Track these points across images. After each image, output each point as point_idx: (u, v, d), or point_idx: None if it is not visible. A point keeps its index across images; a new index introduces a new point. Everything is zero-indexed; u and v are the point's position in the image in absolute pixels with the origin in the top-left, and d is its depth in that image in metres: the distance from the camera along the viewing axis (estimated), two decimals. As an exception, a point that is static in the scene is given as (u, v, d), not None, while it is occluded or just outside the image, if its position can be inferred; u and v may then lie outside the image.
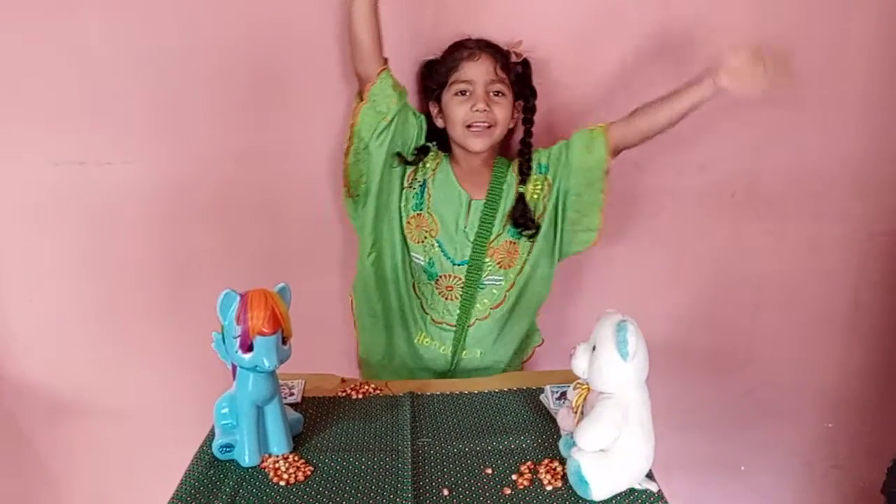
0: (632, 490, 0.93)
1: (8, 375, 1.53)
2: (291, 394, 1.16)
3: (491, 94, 1.29)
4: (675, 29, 1.42)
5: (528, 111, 1.35)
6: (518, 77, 1.33)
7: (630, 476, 0.92)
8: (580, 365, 0.93)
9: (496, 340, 1.39)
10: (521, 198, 1.32)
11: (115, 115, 1.39)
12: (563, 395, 1.10)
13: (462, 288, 1.35)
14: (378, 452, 1.01)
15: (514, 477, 0.96)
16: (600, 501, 0.91)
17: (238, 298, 0.92)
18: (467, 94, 1.29)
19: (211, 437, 1.03)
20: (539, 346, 1.47)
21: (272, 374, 0.98)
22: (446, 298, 1.36)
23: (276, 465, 0.98)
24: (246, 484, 0.95)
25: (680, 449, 1.67)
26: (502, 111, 1.30)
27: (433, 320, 1.38)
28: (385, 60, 1.28)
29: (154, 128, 1.41)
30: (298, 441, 1.04)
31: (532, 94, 1.35)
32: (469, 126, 1.29)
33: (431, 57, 1.35)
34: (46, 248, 1.46)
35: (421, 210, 1.34)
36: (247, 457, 0.98)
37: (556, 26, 1.40)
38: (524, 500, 0.92)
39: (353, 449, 1.03)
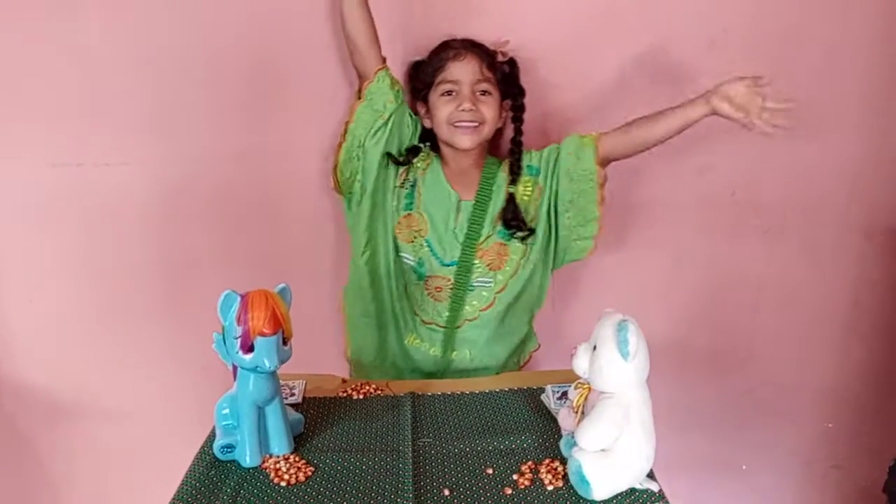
0: (633, 490, 0.93)
1: (7, 376, 1.53)
2: (292, 394, 1.16)
3: (477, 93, 1.29)
4: (671, 31, 1.42)
5: (517, 110, 1.35)
6: (505, 76, 1.33)
7: (631, 476, 0.92)
8: (581, 365, 0.93)
9: (487, 343, 1.38)
10: (511, 198, 1.32)
11: (113, 116, 1.38)
12: (564, 394, 1.10)
13: (451, 289, 1.34)
14: (379, 453, 1.01)
15: (515, 477, 0.96)
16: (601, 501, 0.91)
17: (238, 299, 0.92)
18: (454, 93, 1.29)
19: (212, 437, 1.03)
20: (535, 350, 1.46)
21: (273, 375, 0.98)
22: (435, 299, 1.36)
23: (277, 466, 0.98)
24: (247, 484, 0.95)
25: (680, 449, 1.67)
26: (489, 110, 1.30)
27: (423, 321, 1.38)
28: (383, 59, 1.28)
29: (152, 129, 1.41)
30: (299, 441, 1.04)
31: (520, 93, 1.35)
32: (455, 124, 1.29)
33: (418, 58, 1.34)
34: (45, 249, 1.45)
35: (411, 210, 1.34)
36: (248, 457, 0.98)
37: (553, 27, 1.41)
38: (525, 500, 0.92)
39: (354, 449, 1.03)
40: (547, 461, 0.98)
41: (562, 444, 1.00)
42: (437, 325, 1.37)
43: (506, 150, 1.36)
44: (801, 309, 1.65)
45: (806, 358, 1.68)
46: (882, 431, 1.72)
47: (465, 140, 1.29)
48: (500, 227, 1.32)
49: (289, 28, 1.38)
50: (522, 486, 0.94)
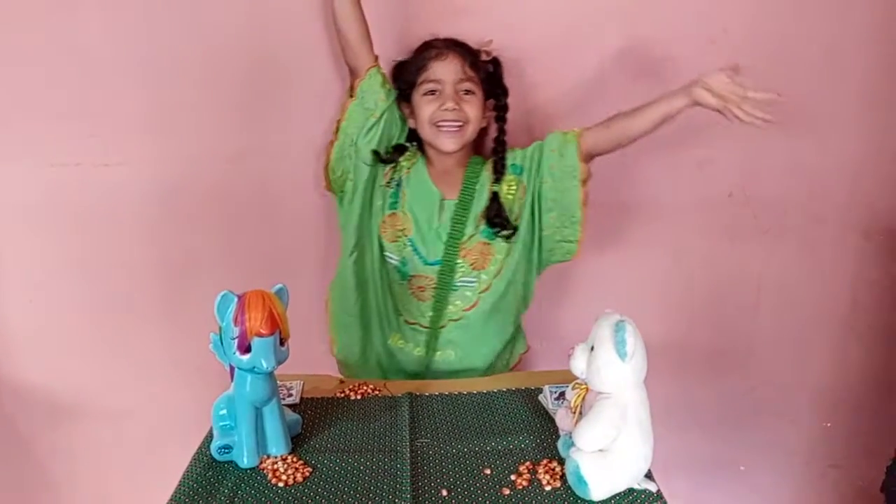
0: (631, 490, 0.93)
1: (7, 376, 1.53)
2: (290, 395, 1.16)
3: (460, 92, 1.29)
4: (669, 30, 1.42)
5: (501, 109, 1.34)
6: (488, 75, 1.33)
7: (629, 476, 0.92)
8: (578, 365, 0.93)
9: (471, 344, 1.36)
10: (494, 197, 1.31)
11: (112, 116, 1.39)
12: (562, 395, 1.10)
13: (434, 289, 1.33)
14: (377, 453, 1.01)
15: (512, 477, 0.96)
16: (599, 501, 0.91)
17: (235, 300, 0.92)
18: (436, 93, 1.28)
19: (209, 438, 1.03)
20: (525, 353, 1.45)
21: (270, 375, 0.97)
22: (418, 299, 1.35)
23: (275, 466, 0.97)
24: (244, 485, 0.95)
25: (679, 449, 1.67)
26: (473, 109, 1.29)
27: (406, 321, 1.37)
28: (375, 57, 1.28)
29: (150, 129, 1.41)
30: (297, 442, 1.04)
31: (503, 92, 1.34)
32: (438, 125, 1.28)
33: (401, 58, 1.34)
34: (45, 249, 1.46)
35: (396, 209, 1.33)
36: (245, 458, 0.98)
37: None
38: (523, 501, 0.92)
39: (352, 450, 1.03)
40: (545, 462, 0.98)
41: (559, 444, 0.99)
42: (421, 325, 1.36)
43: (490, 149, 1.36)
44: (799, 309, 1.64)
45: (804, 358, 1.68)
46: (880, 431, 1.72)
47: (449, 143, 1.29)
48: (483, 226, 1.32)
49: (286, 28, 1.38)
50: (520, 487, 0.94)
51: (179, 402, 1.54)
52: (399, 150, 1.33)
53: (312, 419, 1.11)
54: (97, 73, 1.36)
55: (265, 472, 0.97)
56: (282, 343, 0.95)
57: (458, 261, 1.32)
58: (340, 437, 1.06)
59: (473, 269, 1.32)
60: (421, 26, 1.35)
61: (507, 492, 0.93)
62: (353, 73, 1.29)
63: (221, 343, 0.95)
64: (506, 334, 1.39)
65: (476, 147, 1.38)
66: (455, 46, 1.30)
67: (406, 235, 1.32)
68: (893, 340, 1.66)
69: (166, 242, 1.47)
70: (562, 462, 0.96)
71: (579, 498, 0.91)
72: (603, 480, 0.90)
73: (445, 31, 1.32)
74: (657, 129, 1.21)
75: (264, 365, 0.92)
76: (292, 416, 1.06)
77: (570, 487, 0.93)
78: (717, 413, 1.71)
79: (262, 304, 0.92)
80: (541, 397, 1.15)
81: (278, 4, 1.37)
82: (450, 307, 1.34)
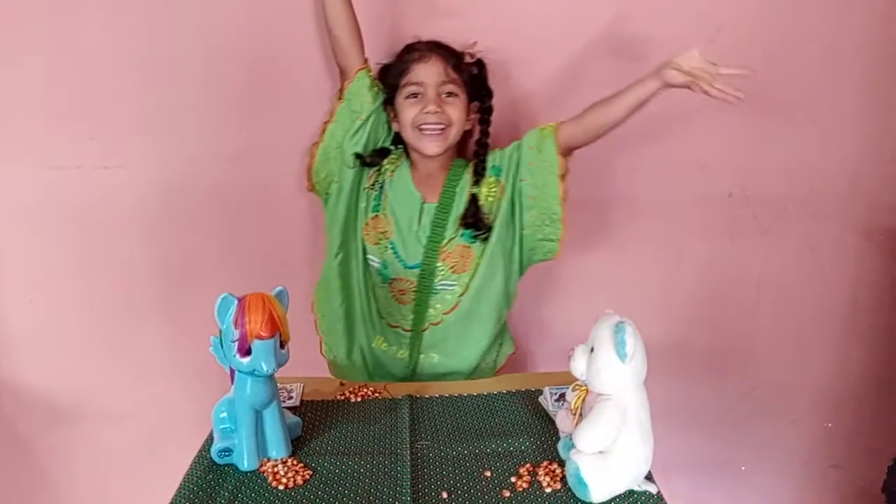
0: (631, 492, 0.93)
1: (7, 378, 1.53)
2: (290, 397, 1.16)
3: (443, 95, 1.28)
4: (666, 30, 1.42)
5: (485, 112, 1.34)
6: (472, 78, 1.32)
7: (629, 477, 0.92)
8: (578, 367, 0.93)
9: (453, 346, 1.36)
10: (473, 199, 1.30)
11: (112, 118, 1.39)
12: (562, 396, 1.10)
13: (414, 292, 1.33)
14: (377, 455, 1.01)
15: (513, 479, 0.96)
16: (599, 503, 0.91)
17: (235, 302, 0.92)
18: (419, 96, 1.28)
19: (210, 441, 1.03)
20: (513, 354, 1.44)
21: (270, 378, 0.97)
22: (399, 302, 1.35)
23: (275, 469, 0.97)
24: (245, 488, 0.95)
25: (679, 449, 1.67)
26: (455, 111, 1.28)
27: (388, 324, 1.37)
28: (365, 59, 1.28)
29: (150, 130, 1.41)
30: (297, 445, 1.04)
31: (488, 94, 1.34)
32: (421, 128, 1.27)
33: (385, 61, 1.33)
34: (45, 251, 1.46)
35: (378, 212, 1.33)
36: (245, 461, 0.98)
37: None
38: (523, 503, 0.92)
39: (352, 452, 1.03)
40: (545, 463, 0.98)
41: (560, 446, 0.99)
42: (403, 328, 1.36)
43: (472, 152, 1.35)
44: (800, 309, 1.65)
45: (805, 358, 1.68)
46: (881, 431, 1.72)
47: (432, 146, 1.28)
48: (463, 229, 1.31)
49: (286, 29, 1.38)
50: (520, 489, 0.94)
51: (179, 404, 1.54)
52: (382, 153, 1.33)
53: (313, 422, 1.11)
54: (97, 73, 1.36)
55: (265, 475, 0.97)
56: (282, 346, 0.95)
57: (438, 264, 1.31)
58: (341, 439, 1.06)
59: (454, 272, 1.32)
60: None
61: (507, 494, 0.93)
62: (343, 75, 1.29)
63: (221, 346, 0.94)
64: (488, 336, 1.36)
65: (460, 150, 1.37)
66: (437, 49, 1.29)
67: (387, 238, 1.32)
68: (894, 340, 1.66)
69: (166, 243, 1.47)
70: (562, 464, 0.96)
71: (579, 500, 0.91)
72: (603, 482, 0.90)
73: (434, 34, 1.32)
74: (633, 116, 1.19)
75: (264, 368, 0.92)
76: (292, 418, 1.06)
77: (570, 489, 0.93)
78: (718, 413, 1.71)
79: (263, 307, 0.91)
80: (541, 399, 1.15)
81: (278, 5, 1.37)
82: (430, 310, 1.34)
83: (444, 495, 0.93)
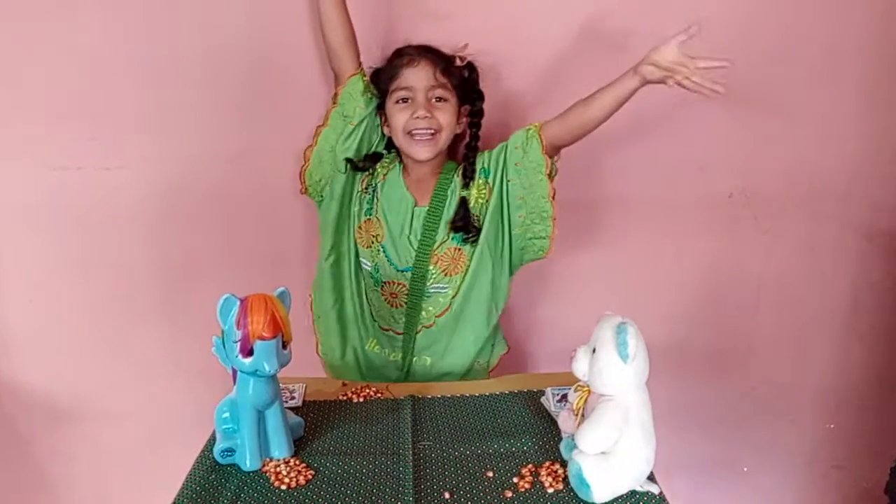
0: (633, 492, 0.93)
1: (7, 378, 1.53)
2: (292, 397, 1.16)
3: (432, 99, 1.28)
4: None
5: (475, 115, 1.33)
6: (463, 81, 1.32)
7: (631, 478, 0.92)
8: (581, 367, 0.93)
9: (445, 348, 1.36)
10: (462, 202, 1.30)
11: (113, 118, 1.39)
12: (564, 397, 1.10)
13: (406, 295, 1.33)
14: (379, 456, 1.01)
15: (515, 480, 0.96)
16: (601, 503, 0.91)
17: (238, 303, 0.92)
18: (408, 100, 1.28)
19: (212, 441, 1.03)
20: (505, 354, 1.43)
21: (273, 379, 0.98)
22: (391, 305, 1.35)
23: (278, 469, 0.98)
24: (247, 488, 0.95)
25: (680, 450, 1.67)
26: (445, 116, 1.28)
27: (381, 327, 1.37)
28: (359, 64, 1.28)
29: (151, 130, 1.41)
30: (299, 445, 1.04)
31: (479, 97, 1.34)
32: (411, 134, 1.28)
33: (375, 66, 1.33)
34: (45, 251, 1.46)
35: (371, 215, 1.33)
36: (248, 461, 0.98)
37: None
38: (525, 503, 0.92)
39: (355, 452, 1.03)
40: (547, 464, 0.98)
41: (562, 446, 1.00)
42: (395, 331, 1.36)
43: (462, 155, 1.35)
44: (801, 309, 1.64)
45: (806, 358, 1.68)
46: (883, 432, 1.72)
47: (422, 152, 1.28)
48: (454, 232, 1.31)
49: (286, 29, 1.38)
50: (523, 489, 0.94)
51: (180, 404, 1.54)
52: (373, 158, 1.34)
53: (315, 422, 1.11)
54: (97, 74, 1.37)
55: (268, 475, 0.97)
56: (284, 346, 0.95)
57: (430, 267, 1.31)
58: (343, 439, 1.06)
59: (445, 275, 1.32)
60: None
61: (509, 494, 0.93)
62: (337, 80, 1.30)
63: (224, 346, 0.95)
64: (480, 337, 1.36)
65: (452, 152, 1.37)
66: (427, 53, 1.29)
67: (379, 242, 1.32)
68: (895, 341, 1.66)
69: (166, 243, 1.48)
70: (564, 464, 0.96)
71: (582, 500, 0.91)
72: (605, 482, 0.90)
73: (428, 37, 1.32)
74: (614, 113, 1.19)
75: (267, 368, 0.93)
76: (295, 419, 1.06)
77: (572, 490, 0.93)
78: (719, 414, 1.71)
79: (265, 308, 0.92)
80: (543, 400, 1.15)
81: (278, 5, 1.37)
82: (422, 313, 1.34)
83: (447, 495, 0.93)
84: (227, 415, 0.99)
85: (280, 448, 1.00)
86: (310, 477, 0.97)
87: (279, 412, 1.00)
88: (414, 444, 1.04)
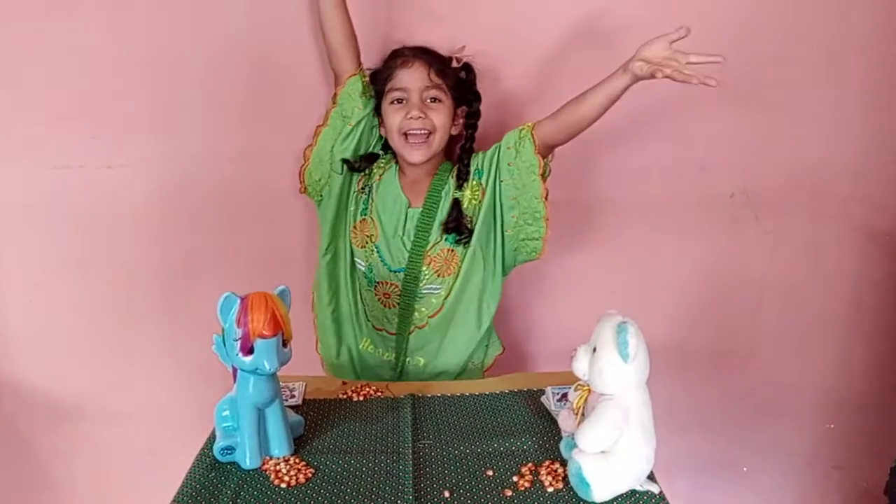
0: (633, 492, 0.93)
1: (7, 377, 1.54)
2: (292, 396, 1.16)
3: (427, 100, 1.28)
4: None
5: (472, 116, 1.33)
6: (459, 82, 1.32)
7: (631, 477, 0.92)
8: (581, 367, 0.93)
9: (439, 349, 1.36)
10: (455, 203, 1.30)
11: (114, 117, 1.39)
12: (564, 396, 1.10)
13: (399, 296, 1.33)
14: (379, 454, 1.01)
15: (515, 479, 0.96)
16: (602, 503, 0.91)
17: (238, 301, 0.92)
18: (403, 101, 1.28)
19: (212, 439, 1.03)
20: (500, 354, 1.43)
21: (273, 377, 0.98)
22: (385, 305, 1.35)
23: (278, 468, 0.98)
24: (247, 486, 0.95)
25: (681, 450, 1.67)
26: (439, 117, 1.28)
27: (374, 327, 1.37)
28: (359, 65, 1.29)
29: (152, 130, 1.41)
30: (299, 443, 1.04)
31: (476, 98, 1.33)
32: (406, 136, 1.28)
33: (371, 67, 1.33)
34: (46, 250, 1.46)
35: (366, 216, 1.34)
36: (248, 459, 0.98)
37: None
38: (525, 502, 0.92)
39: (354, 451, 1.03)
40: (547, 463, 0.98)
41: (562, 445, 0.99)
42: (388, 331, 1.36)
43: (457, 156, 1.35)
44: (803, 309, 1.64)
45: (808, 358, 1.68)
46: (884, 432, 1.72)
47: (416, 155, 1.28)
48: (447, 233, 1.31)
49: (287, 30, 1.38)
50: (522, 488, 0.94)
51: (180, 403, 1.54)
52: (369, 158, 1.34)
53: (315, 420, 1.11)
54: (99, 73, 1.37)
55: (268, 473, 0.97)
56: (284, 344, 0.95)
57: (423, 269, 1.31)
58: (343, 438, 1.06)
59: (438, 276, 1.32)
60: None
61: (509, 493, 0.93)
62: (337, 80, 1.30)
63: (224, 344, 0.95)
64: (472, 338, 1.36)
65: (449, 154, 1.37)
66: (422, 54, 1.29)
67: (373, 242, 1.33)
68: (898, 341, 1.66)
69: (167, 242, 1.48)
70: (564, 463, 0.96)
71: (581, 499, 0.91)
72: (605, 482, 0.90)
73: (427, 38, 1.32)
74: (606, 111, 1.18)
75: (267, 366, 0.93)
76: (295, 417, 1.07)
77: (572, 489, 0.93)
78: (720, 414, 1.71)
79: (265, 306, 0.92)
80: (543, 399, 1.15)
81: (279, 5, 1.37)
82: (415, 314, 1.34)
83: (447, 494, 0.93)
84: (227, 413, 0.99)
85: (280, 446, 1.00)
86: (310, 475, 0.97)
87: (279, 410, 1.00)
88: (414, 442, 1.04)
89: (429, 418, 1.11)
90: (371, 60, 1.33)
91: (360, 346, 1.39)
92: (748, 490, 1.79)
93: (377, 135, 1.35)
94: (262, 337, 0.91)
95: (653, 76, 1.09)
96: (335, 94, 1.30)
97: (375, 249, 1.33)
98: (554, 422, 1.07)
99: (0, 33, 1.33)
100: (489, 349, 1.41)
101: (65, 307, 1.50)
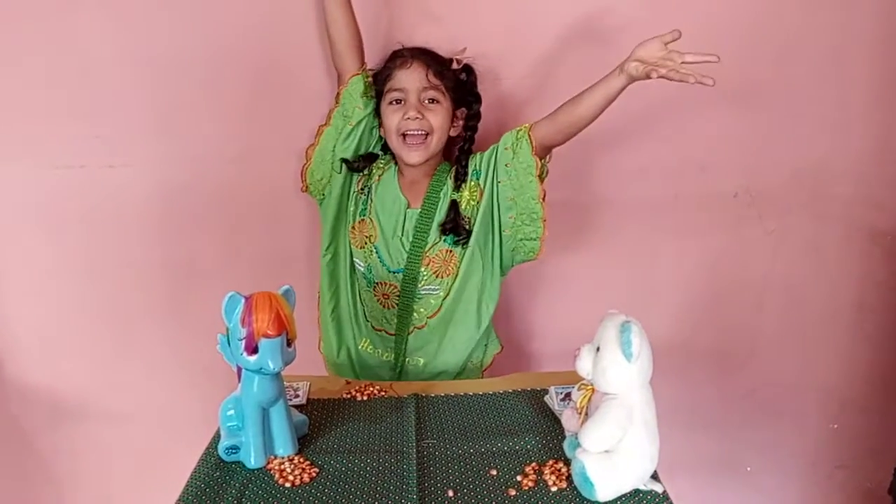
0: (637, 491, 0.93)
1: (11, 377, 1.54)
2: (297, 395, 1.16)
3: (425, 101, 1.28)
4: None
5: (471, 118, 1.33)
6: (459, 83, 1.32)
7: (635, 477, 0.92)
8: (584, 366, 0.93)
9: (438, 349, 1.36)
10: (453, 204, 1.30)
11: (116, 117, 1.40)
12: (568, 395, 1.10)
13: (398, 296, 1.33)
14: (383, 454, 1.02)
15: (518, 478, 0.96)
16: (605, 502, 0.91)
17: (243, 301, 0.93)
18: (401, 102, 1.28)
19: (216, 438, 1.03)
20: (499, 353, 1.43)
21: (277, 376, 0.98)
22: (383, 306, 1.35)
23: (282, 467, 0.98)
24: (252, 485, 0.95)
25: (684, 449, 1.67)
26: (437, 118, 1.28)
27: (373, 327, 1.38)
28: (363, 65, 1.29)
29: (154, 130, 1.42)
30: (304, 443, 1.04)
31: (476, 100, 1.33)
32: (404, 136, 1.28)
33: (372, 68, 1.33)
34: (49, 250, 1.46)
35: (365, 216, 1.34)
36: (252, 458, 0.98)
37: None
38: (529, 502, 0.92)
39: (359, 450, 1.03)
40: (551, 462, 0.98)
41: (565, 445, 1.00)
42: (387, 332, 1.36)
43: (455, 157, 1.35)
44: (805, 309, 1.64)
45: (811, 358, 1.68)
46: (887, 432, 1.72)
47: (414, 156, 1.28)
48: (445, 234, 1.31)
49: (290, 30, 1.39)
50: (526, 488, 0.94)
51: (185, 403, 1.55)
52: (368, 158, 1.34)
53: (319, 420, 1.11)
54: (101, 73, 1.37)
55: (272, 472, 0.98)
56: (289, 344, 0.95)
57: (421, 269, 1.31)
58: (347, 437, 1.07)
59: (437, 276, 1.32)
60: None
61: (513, 492, 0.93)
62: (340, 80, 1.31)
63: (229, 344, 0.95)
64: (471, 338, 1.36)
65: (448, 155, 1.37)
66: (420, 55, 1.29)
67: (372, 242, 1.33)
68: (901, 341, 1.66)
69: (170, 242, 1.48)
70: (568, 463, 0.96)
71: (585, 499, 0.91)
72: (609, 481, 0.90)
73: (428, 39, 1.32)
74: (602, 112, 1.18)
75: (271, 366, 0.93)
76: (299, 416, 1.07)
77: (576, 488, 0.93)
78: (723, 413, 1.71)
79: (269, 306, 0.92)
80: (546, 398, 1.15)
81: (282, 6, 1.37)
82: (414, 315, 1.34)
83: (450, 493, 0.93)
84: (231, 412, 0.99)
85: (284, 446, 1.00)
86: (314, 474, 0.97)
87: (283, 410, 1.00)
88: (418, 442, 1.04)
89: (432, 418, 1.11)
90: (371, 61, 1.33)
91: (360, 347, 1.39)
92: (751, 489, 1.79)
93: (377, 135, 1.35)
94: (267, 336, 0.92)
95: (648, 76, 1.09)
96: (338, 94, 1.31)
97: (374, 250, 1.33)
98: (557, 421, 1.07)
99: (1, 33, 1.33)
100: (488, 348, 1.42)
101: (68, 307, 1.50)
